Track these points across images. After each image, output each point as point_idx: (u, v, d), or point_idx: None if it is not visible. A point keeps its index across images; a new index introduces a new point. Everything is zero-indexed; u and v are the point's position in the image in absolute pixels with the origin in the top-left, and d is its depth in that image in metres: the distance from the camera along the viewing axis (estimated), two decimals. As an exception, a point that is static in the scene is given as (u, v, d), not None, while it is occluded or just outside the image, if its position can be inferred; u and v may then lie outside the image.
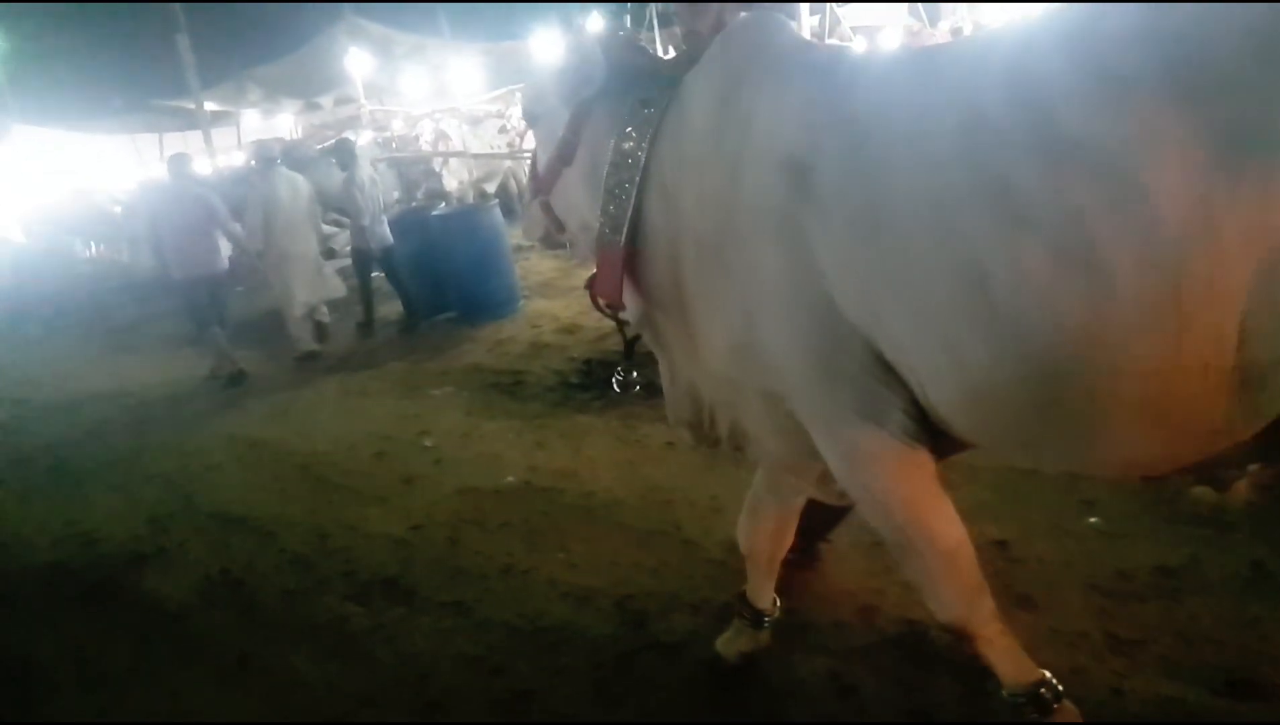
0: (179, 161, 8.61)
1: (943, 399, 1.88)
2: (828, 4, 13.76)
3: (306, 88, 21.99)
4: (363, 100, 20.00)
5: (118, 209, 18.11)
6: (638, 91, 2.40)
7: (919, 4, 15.08)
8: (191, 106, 22.05)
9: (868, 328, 1.92)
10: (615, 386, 3.26)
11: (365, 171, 9.43)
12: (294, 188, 8.70)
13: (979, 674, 2.79)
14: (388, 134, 19.07)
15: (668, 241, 2.32)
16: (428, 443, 5.80)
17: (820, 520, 3.46)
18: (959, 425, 1.94)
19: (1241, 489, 2.07)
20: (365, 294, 9.80)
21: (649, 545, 3.92)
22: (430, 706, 3.09)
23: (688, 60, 2.38)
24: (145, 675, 3.56)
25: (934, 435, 2.03)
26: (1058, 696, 2.24)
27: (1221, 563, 3.16)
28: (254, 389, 7.99)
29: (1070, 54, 1.63)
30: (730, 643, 3.03)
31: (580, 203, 2.58)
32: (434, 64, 20.58)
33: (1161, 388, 1.61)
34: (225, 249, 8.70)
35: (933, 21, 15.79)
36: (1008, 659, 2.27)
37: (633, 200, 2.31)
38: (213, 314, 8.55)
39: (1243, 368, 1.56)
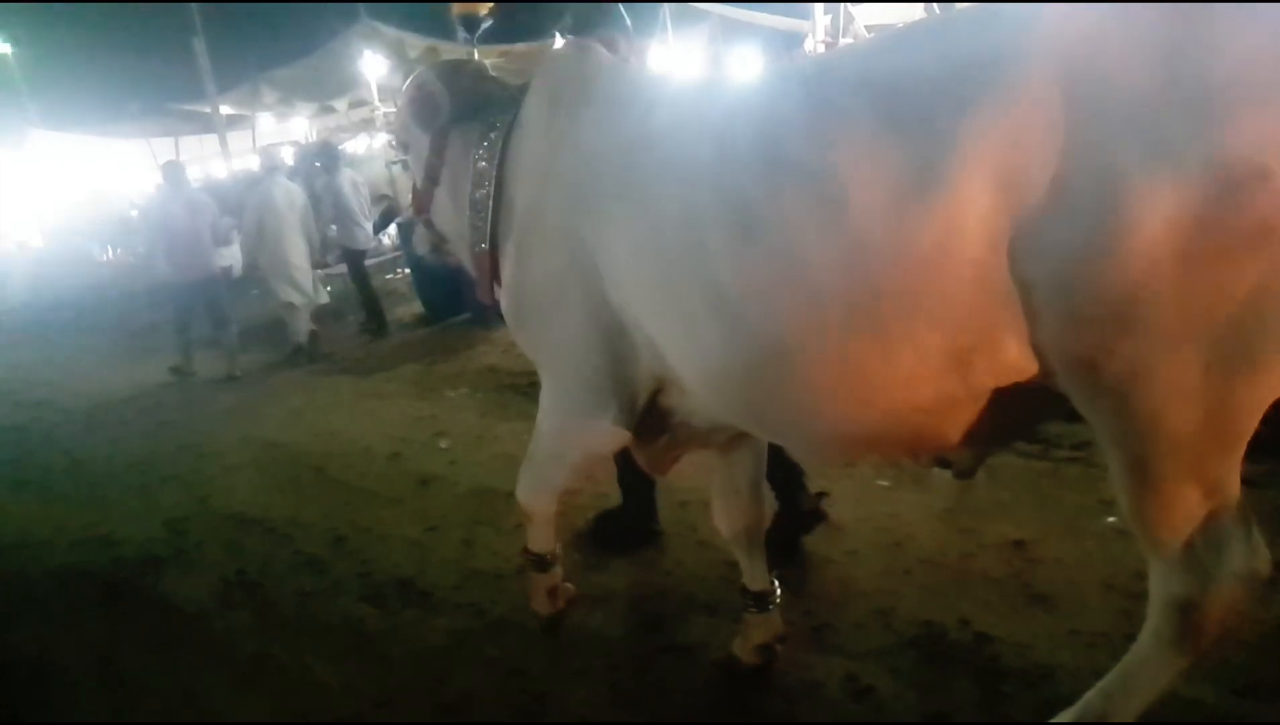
0: (173, 168, 9.03)
1: (692, 379, 2.26)
2: (841, 4, 13.72)
3: (321, 91, 22.05)
4: (377, 103, 20.03)
5: (134, 213, 18.29)
6: (486, 116, 2.75)
7: (934, 5, 15.00)
8: (207, 110, 22.22)
9: (634, 320, 2.30)
10: None
11: (346, 175, 9.61)
12: (289, 196, 9.01)
13: (997, 675, 2.79)
14: (402, 137, 19.12)
15: (506, 243, 2.68)
16: (443, 444, 5.81)
17: (785, 474, 3.49)
18: (707, 401, 2.32)
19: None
20: (368, 297, 9.90)
21: (664, 547, 3.92)
22: (446, 708, 3.09)
23: (525, 85, 2.73)
24: (161, 676, 3.57)
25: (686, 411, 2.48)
26: (556, 560, 3.02)
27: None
28: (269, 391, 8.04)
29: (808, 93, 1.95)
30: (744, 642, 3.01)
31: (451, 216, 2.91)
32: (448, 66, 20.56)
33: (867, 375, 1.90)
34: (232, 253, 8.94)
35: (947, 21, 15.65)
36: (538, 534, 2.96)
37: (490, 213, 2.68)
38: (208, 316, 8.75)
39: (951, 355, 1.80)
